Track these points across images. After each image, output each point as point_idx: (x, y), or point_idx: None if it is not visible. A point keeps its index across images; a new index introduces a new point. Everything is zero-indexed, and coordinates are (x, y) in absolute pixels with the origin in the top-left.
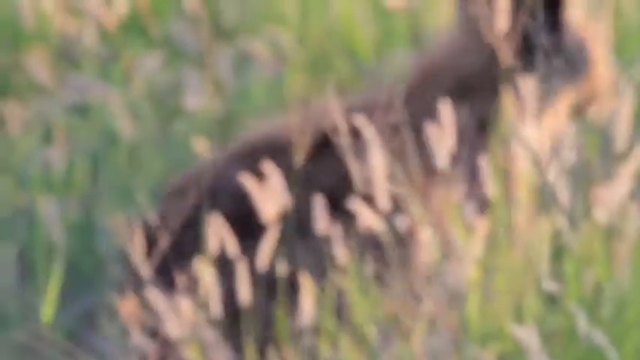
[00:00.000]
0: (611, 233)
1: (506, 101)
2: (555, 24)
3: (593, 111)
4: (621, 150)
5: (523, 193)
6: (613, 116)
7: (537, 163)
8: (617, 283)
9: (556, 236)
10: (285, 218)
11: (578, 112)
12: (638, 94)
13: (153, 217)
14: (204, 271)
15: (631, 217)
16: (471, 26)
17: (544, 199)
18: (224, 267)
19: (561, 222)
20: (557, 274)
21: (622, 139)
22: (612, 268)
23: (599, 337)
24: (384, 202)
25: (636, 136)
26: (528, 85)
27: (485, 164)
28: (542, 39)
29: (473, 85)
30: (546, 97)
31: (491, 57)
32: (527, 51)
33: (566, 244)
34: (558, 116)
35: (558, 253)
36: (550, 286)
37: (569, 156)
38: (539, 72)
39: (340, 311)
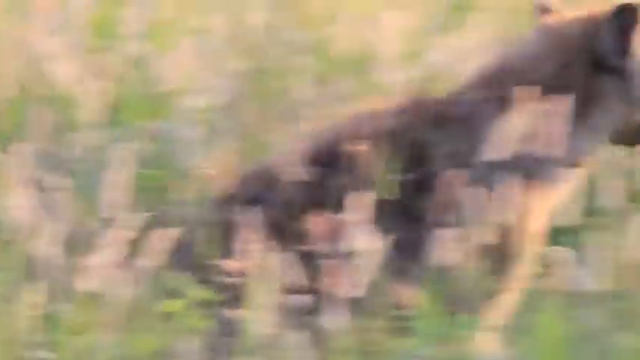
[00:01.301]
0: (100, 300)
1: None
2: (623, 49)
3: None
4: (109, 217)
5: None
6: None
7: (23, 233)
8: (107, 349)
9: (46, 305)
10: None
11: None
12: None
13: None
14: None
15: (119, 284)
16: (547, 36)
17: (34, 268)
18: None
19: (50, 291)
20: (50, 342)
21: (112, 207)
22: (102, 334)
23: None
24: None
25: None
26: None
27: None
28: (612, 62)
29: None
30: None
31: (564, 66)
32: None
33: (56, 312)
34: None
35: (49, 321)
36: (42, 355)
37: (61, 224)
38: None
39: None
